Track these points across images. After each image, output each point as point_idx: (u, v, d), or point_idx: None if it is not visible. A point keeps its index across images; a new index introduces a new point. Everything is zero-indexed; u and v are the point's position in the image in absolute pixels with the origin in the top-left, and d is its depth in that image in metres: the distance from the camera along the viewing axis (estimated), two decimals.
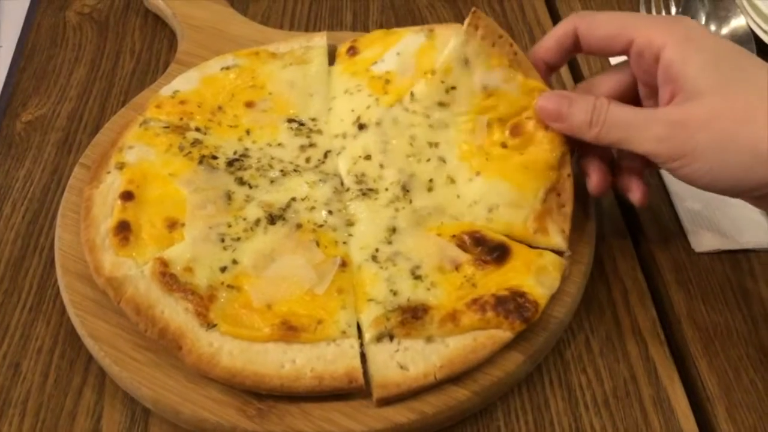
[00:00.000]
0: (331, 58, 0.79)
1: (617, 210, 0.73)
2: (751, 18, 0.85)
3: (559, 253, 0.63)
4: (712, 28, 0.85)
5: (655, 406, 0.59)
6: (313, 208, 0.65)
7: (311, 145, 0.70)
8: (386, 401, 0.57)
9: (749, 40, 0.83)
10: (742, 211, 0.70)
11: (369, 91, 0.71)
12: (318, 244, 0.63)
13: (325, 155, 0.70)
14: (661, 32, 0.57)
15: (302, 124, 0.72)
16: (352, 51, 0.77)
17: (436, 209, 0.65)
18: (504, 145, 0.65)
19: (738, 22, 0.84)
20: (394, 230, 0.64)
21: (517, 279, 0.60)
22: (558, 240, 0.63)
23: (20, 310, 0.65)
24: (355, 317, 0.59)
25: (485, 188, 0.65)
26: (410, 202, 0.65)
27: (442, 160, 0.66)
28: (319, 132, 0.71)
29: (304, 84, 0.75)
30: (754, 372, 0.61)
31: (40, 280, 0.67)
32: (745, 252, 0.69)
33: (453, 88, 0.66)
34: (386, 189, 0.66)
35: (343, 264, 0.62)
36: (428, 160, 0.66)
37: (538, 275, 0.60)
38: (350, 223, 0.65)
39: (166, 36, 0.91)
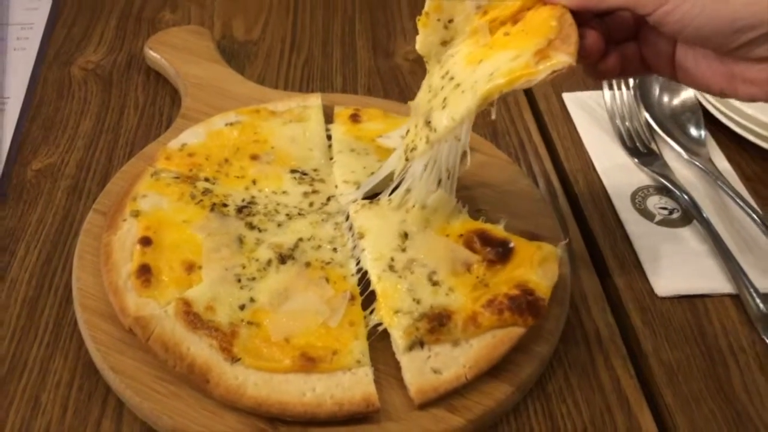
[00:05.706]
0: (326, 117, 0.86)
1: (587, 256, 0.81)
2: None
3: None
4: (665, 99, 0.95)
5: None
6: (319, 246, 0.71)
7: (314, 191, 0.77)
8: (426, 405, 0.62)
9: (697, 110, 0.94)
10: (698, 258, 0.79)
11: (377, 157, 0.79)
12: (327, 280, 0.68)
13: (328, 199, 0.76)
14: None
15: (305, 174, 0.79)
16: (356, 118, 0.85)
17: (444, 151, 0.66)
18: (506, 34, 0.64)
19: (687, 94, 0.96)
20: (406, 236, 0.69)
21: (525, 275, 0.67)
22: (563, 57, 0.58)
23: (38, 346, 0.69)
24: (367, 347, 0.64)
25: (486, 66, 0.63)
26: (435, 130, 0.65)
27: (451, 77, 0.66)
28: (322, 180, 0.78)
29: (304, 139, 0.83)
30: (713, 402, 0.68)
31: (56, 318, 0.71)
32: (701, 297, 0.77)
33: (450, 21, 0.68)
34: (420, 138, 0.67)
35: (352, 298, 0.67)
36: (442, 88, 0.66)
37: (541, 266, 0.68)
38: (360, 236, 0.70)
39: (167, 92, 0.97)
